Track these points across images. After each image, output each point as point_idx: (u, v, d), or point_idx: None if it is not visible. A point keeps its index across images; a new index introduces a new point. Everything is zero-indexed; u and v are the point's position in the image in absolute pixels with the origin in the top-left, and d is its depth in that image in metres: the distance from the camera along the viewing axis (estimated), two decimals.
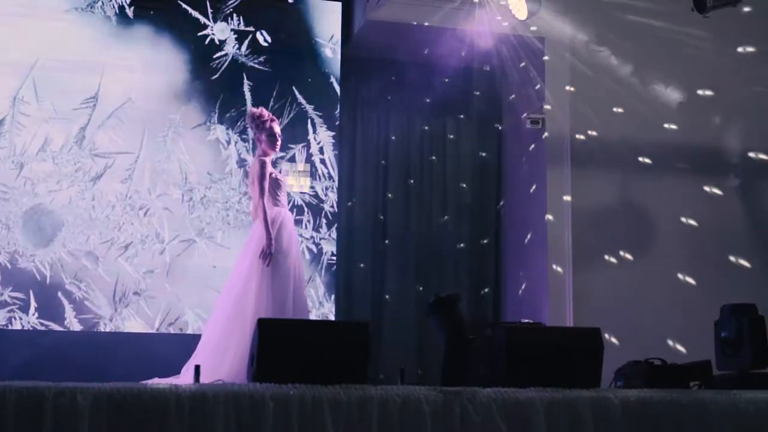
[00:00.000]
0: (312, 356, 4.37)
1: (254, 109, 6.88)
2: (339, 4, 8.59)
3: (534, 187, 8.46)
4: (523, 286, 8.57)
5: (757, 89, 8.56)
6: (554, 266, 8.14)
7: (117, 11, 8.04)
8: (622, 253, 8.17)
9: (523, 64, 8.47)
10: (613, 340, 7.34)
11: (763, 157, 8.59)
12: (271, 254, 6.37)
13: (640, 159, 8.32)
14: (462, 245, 8.98)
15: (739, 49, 8.57)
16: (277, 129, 6.76)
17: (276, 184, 6.71)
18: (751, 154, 8.57)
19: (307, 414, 4.07)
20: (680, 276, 8.11)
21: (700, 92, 8.44)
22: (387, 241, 8.80)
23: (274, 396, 4.06)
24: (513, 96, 8.90)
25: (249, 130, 7.16)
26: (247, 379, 4.61)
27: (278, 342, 4.37)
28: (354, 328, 4.57)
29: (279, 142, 6.79)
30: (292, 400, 4.07)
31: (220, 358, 6.01)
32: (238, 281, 6.47)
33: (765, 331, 5.53)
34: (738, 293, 7.28)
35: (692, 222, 8.27)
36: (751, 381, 5.32)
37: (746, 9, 8.09)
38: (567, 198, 8.20)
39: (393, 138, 9.01)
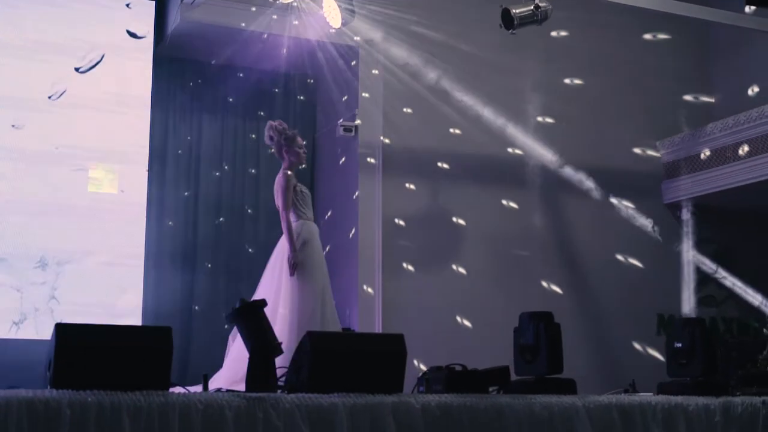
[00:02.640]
0: (112, 362, 4.26)
1: (275, 123, 6.95)
2: (152, 3, 8.42)
3: (346, 195, 8.54)
4: (334, 292, 8.61)
5: (562, 103, 8.95)
6: (364, 273, 8.23)
7: None
8: (429, 260, 8.34)
9: (338, 71, 8.54)
10: (419, 345, 7.48)
11: (568, 172, 8.96)
12: (295, 265, 6.55)
13: (449, 169, 8.52)
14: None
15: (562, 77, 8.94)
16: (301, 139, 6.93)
17: (301, 197, 6.79)
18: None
19: (106, 421, 3.96)
20: (483, 284, 8.35)
21: (504, 108, 8.73)
22: (197, 246, 8.68)
23: (71, 403, 3.93)
24: (327, 103, 8.95)
25: (269, 142, 7.04)
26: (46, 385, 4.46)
27: (76, 347, 4.24)
28: (156, 334, 4.47)
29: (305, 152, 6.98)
30: (90, 407, 3.95)
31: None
32: (267, 294, 6.51)
33: (560, 338, 5.73)
34: (536, 302, 7.58)
35: (495, 231, 8.53)
36: (547, 386, 5.51)
37: (553, 33, 8.48)
38: (378, 206, 8.31)
39: (205, 142, 8.91)
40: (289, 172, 6.90)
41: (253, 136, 8.97)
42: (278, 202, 6.88)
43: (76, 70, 8.01)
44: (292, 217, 6.82)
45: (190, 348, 8.34)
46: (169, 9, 8.35)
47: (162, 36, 8.43)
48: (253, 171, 8.99)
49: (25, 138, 7.78)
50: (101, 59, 8.09)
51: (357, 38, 8.28)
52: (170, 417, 4.08)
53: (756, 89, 9.17)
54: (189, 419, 4.10)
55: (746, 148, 8.89)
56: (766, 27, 8.61)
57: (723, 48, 9.63)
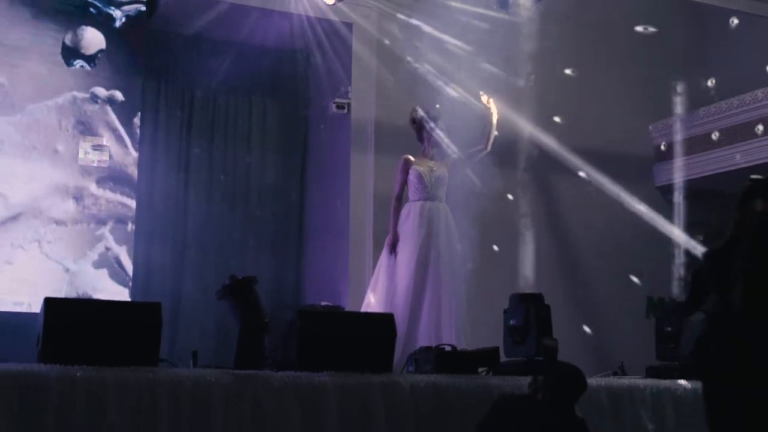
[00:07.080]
0: (101, 337, 4.25)
1: (417, 107, 7.02)
2: None
3: (338, 172, 8.49)
4: (324, 270, 8.59)
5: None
6: (356, 250, 8.19)
7: None
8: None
9: (331, 48, 8.47)
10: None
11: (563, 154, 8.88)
12: (392, 245, 6.68)
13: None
14: (265, 227, 8.91)
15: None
16: None
17: (418, 179, 6.85)
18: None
19: (93, 396, 3.95)
20: (474, 263, 8.30)
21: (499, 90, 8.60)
22: (188, 223, 8.62)
23: (59, 377, 3.93)
24: (320, 80, 8.88)
25: (411, 124, 7.12)
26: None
27: (65, 322, 4.22)
28: (145, 310, 4.46)
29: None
30: (78, 382, 3.95)
31: None
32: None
33: (550, 319, 5.74)
34: (528, 283, 7.57)
35: (485, 211, 8.43)
36: (536, 367, 5.51)
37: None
38: (370, 183, 8.26)
39: (197, 118, 8.84)
40: (408, 156, 6.96)
41: (243, 111, 8.94)
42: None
43: None
44: (412, 199, 6.88)
45: (178, 324, 8.29)
46: None
47: (154, 8, 8.33)
48: (244, 149, 8.94)
49: None
50: None
51: (351, 15, 8.20)
52: (159, 394, 4.07)
53: (748, 75, 9.15)
54: (178, 396, 4.09)
55: (737, 132, 8.88)
56: (759, 11, 8.60)
57: (717, 33, 9.59)
